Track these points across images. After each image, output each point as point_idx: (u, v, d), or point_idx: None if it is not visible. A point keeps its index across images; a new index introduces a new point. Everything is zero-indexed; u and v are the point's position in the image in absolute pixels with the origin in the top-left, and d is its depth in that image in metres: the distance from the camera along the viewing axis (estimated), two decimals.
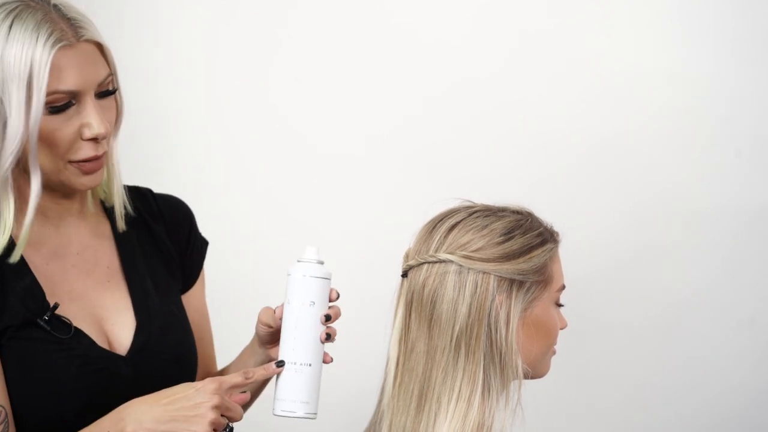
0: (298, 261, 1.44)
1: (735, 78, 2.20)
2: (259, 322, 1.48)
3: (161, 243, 1.57)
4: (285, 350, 1.42)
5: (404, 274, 1.41)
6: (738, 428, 2.28)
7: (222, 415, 1.35)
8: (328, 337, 1.42)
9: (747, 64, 2.20)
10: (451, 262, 1.36)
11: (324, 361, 1.44)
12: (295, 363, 1.41)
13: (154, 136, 2.35)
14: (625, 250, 2.26)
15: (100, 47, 1.41)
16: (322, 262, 1.44)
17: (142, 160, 2.29)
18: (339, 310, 1.44)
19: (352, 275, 2.31)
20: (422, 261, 1.38)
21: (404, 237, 1.44)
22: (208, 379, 1.35)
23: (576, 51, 2.24)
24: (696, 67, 2.21)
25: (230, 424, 1.37)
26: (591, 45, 2.24)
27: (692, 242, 2.25)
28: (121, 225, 1.53)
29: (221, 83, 2.38)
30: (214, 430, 1.34)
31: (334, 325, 1.44)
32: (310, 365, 1.41)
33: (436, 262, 1.37)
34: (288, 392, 1.41)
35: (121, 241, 1.53)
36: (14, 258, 1.40)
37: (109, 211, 1.54)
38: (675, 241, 2.25)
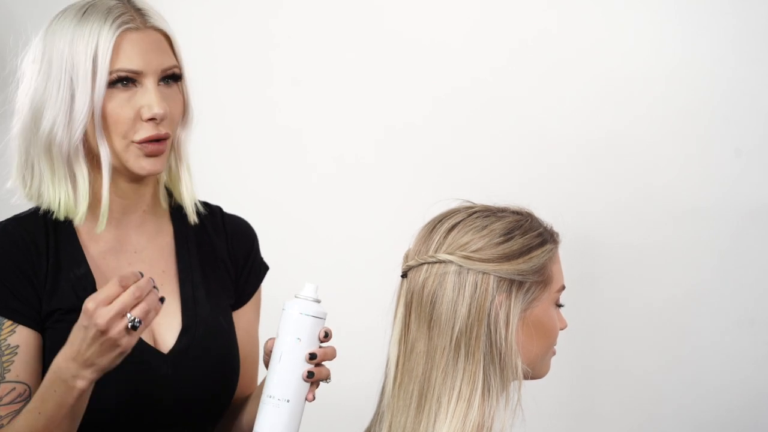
0: (295, 296, 1.42)
1: (734, 77, 2.20)
2: (265, 353, 1.49)
3: (219, 258, 1.61)
4: (268, 383, 1.41)
5: (404, 275, 1.41)
6: (738, 428, 2.27)
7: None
8: (310, 375, 1.39)
9: (747, 64, 2.20)
10: (451, 262, 1.35)
11: (306, 399, 1.41)
12: (273, 397, 1.39)
13: None
14: (625, 250, 2.26)
15: (168, 39, 1.50)
16: (318, 301, 1.42)
17: None
18: (333, 351, 1.42)
19: (352, 276, 2.32)
20: (422, 261, 1.38)
21: (404, 237, 1.44)
22: (83, 310, 1.32)
23: (575, 50, 2.24)
24: (695, 66, 2.21)
25: (133, 319, 1.31)
26: (590, 44, 2.24)
27: (692, 242, 2.25)
28: (192, 218, 1.58)
29: (219, 84, 2.38)
30: (129, 329, 1.31)
31: (329, 364, 1.43)
32: (288, 401, 1.39)
33: (435, 263, 1.37)
34: (264, 426, 1.39)
35: (181, 248, 1.57)
36: (100, 228, 1.47)
37: (175, 216, 1.58)
38: (674, 241, 2.25)
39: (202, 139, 2.39)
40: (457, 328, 1.34)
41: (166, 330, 1.51)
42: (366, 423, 1.47)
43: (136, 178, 1.50)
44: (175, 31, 1.54)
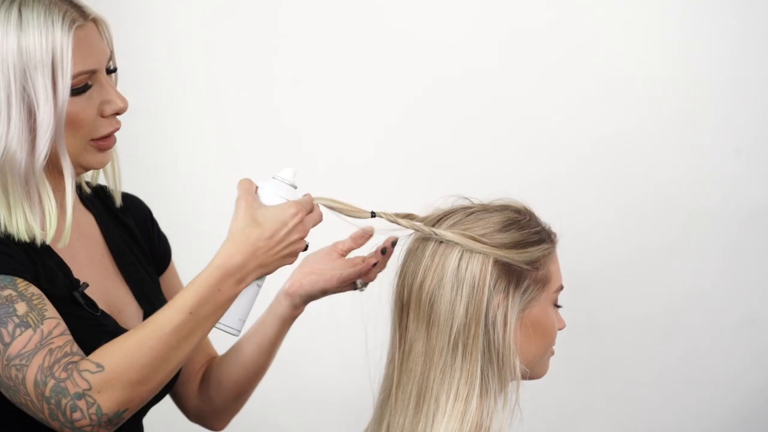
0: (272, 177, 1.44)
1: (735, 78, 2.20)
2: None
3: (135, 234, 1.59)
4: None
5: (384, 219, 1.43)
6: (737, 428, 2.28)
7: None
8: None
9: (747, 64, 2.20)
10: (454, 242, 1.35)
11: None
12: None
13: (153, 137, 2.36)
14: (625, 250, 2.26)
15: (98, 26, 1.42)
16: (295, 187, 1.44)
17: (141, 161, 2.29)
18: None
19: None
20: (428, 235, 1.37)
21: (402, 237, 1.44)
22: (294, 212, 1.39)
23: (575, 50, 2.24)
24: (696, 67, 2.21)
25: (307, 244, 1.42)
26: (591, 44, 2.24)
27: (692, 242, 2.25)
28: (118, 200, 1.55)
29: (219, 84, 2.38)
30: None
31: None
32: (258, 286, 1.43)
33: (439, 241, 1.36)
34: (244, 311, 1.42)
35: (105, 232, 1.54)
36: (64, 242, 1.40)
37: (84, 200, 1.54)
38: (675, 241, 2.25)
39: (202, 139, 2.41)
40: (455, 328, 1.34)
41: (127, 316, 1.49)
42: (365, 423, 1.47)
43: (78, 171, 1.44)
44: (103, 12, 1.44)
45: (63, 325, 1.33)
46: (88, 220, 1.53)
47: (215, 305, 1.36)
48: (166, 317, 1.34)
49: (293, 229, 1.39)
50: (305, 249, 1.42)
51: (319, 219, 1.44)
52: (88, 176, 1.55)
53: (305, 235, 1.41)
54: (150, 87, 2.33)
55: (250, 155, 2.37)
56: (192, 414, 1.66)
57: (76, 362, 1.30)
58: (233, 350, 1.63)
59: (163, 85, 2.36)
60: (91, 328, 1.41)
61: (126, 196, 1.61)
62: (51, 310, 1.33)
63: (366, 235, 1.57)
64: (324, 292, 1.59)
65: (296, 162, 2.35)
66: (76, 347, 1.33)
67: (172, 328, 1.33)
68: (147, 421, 1.55)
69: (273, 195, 1.42)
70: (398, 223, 1.43)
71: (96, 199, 1.56)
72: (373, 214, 1.44)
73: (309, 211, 1.42)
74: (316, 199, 1.45)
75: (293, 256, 1.40)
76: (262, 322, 1.61)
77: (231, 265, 1.36)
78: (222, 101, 2.38)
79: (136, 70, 2.31)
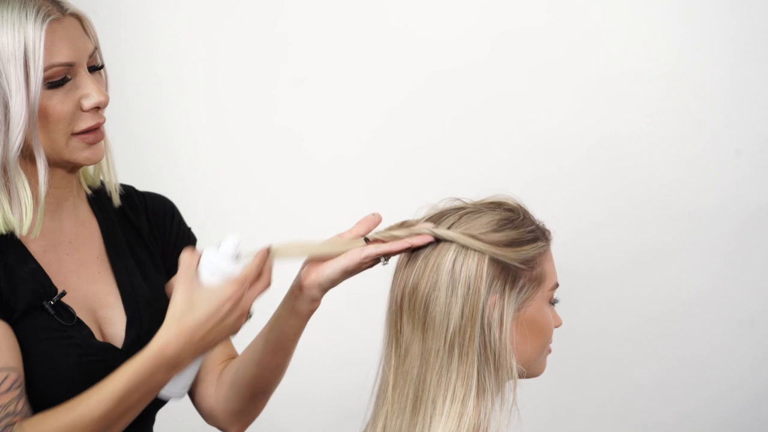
0: (216, 247, 1.39)
1: (735, 78, 2.20)
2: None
3: (145, 237, 1.58)
4: None
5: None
6: (738, 428, 2.28)
7: None
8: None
9: (747, 64, 2.20)
10: (451, 240, 1.35)
11: None
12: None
13: (153, 137, 2.36)
14: (625, 250, 2.26)
15: (82, 22, 1.43)
16: (238, 256, 1.39)
17: (142, 161, 2.30)
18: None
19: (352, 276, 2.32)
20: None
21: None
22: (229, 295, 1.36)
23: (575, 49, 2.25)
24: (696, 67, 2.21)
25: (251, 313, 1.39)
26: (590, 43, 2.24)
27: (692, 242, 2.25)
28: (116, 200, 1.55)
29: (220, 84, 2.38)
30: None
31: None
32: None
33: (434, 244, 1.36)
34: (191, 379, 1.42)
35: (106, 232, 1.54)
36: (35, 233, 1.41)
37: (91, 201, 1.54)
38: (675, 241, 2.25)
39: (202, 139, 2.41)
40: (450, 330, 1.34)
41: (111, 323, 1.49)
42: (362, 425, 1.47)
43: (73, 168, 1.46)
44: (85, 9, 1.46)
45: (12, 377, 1.35)
46: (89, 222, 1.53)
47: (147, 391, 1.36)
48: (95, 403, 1.35)
49: (230, 311, 1.36)
50: (249, 317, 1.39)
51: (266, 287, 1.40)
52: (90, 177, 1.55)
53: (246, 312, 1.38)
54: (150, 87, 2.34)
55: (250, 155, 2.38)
56: (206, 415, 1.64)
57: (13, 425, 1.32)
58: (249, 349, 1.59)
59: (163, 85, 2.36)
60: (57, 340, 1.41)
61: (150, 197, 1.62)
62: (4, 359, 1.35)
63: (376, 220, 1.47)
64: (346, 272, 1.44)
65: (296, 161, 2.37)
66: (20, 405, 1.34)
67: (101, 414, 1.35)
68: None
69: (213, 272, 1.37)
70: (396, 237, 1.41)
71: (103, 200, 1.56)
72: (367, 240, 1.41)
73: (254, 280, 1.38)
74: (276, 252, 1.39)
75: (235, 331, 1.39)
76: (278, 319, 1.54)
77: (165, 355, 1.36)
78: (222, 101, 2.38)
79: (136, 70, 2.33)
